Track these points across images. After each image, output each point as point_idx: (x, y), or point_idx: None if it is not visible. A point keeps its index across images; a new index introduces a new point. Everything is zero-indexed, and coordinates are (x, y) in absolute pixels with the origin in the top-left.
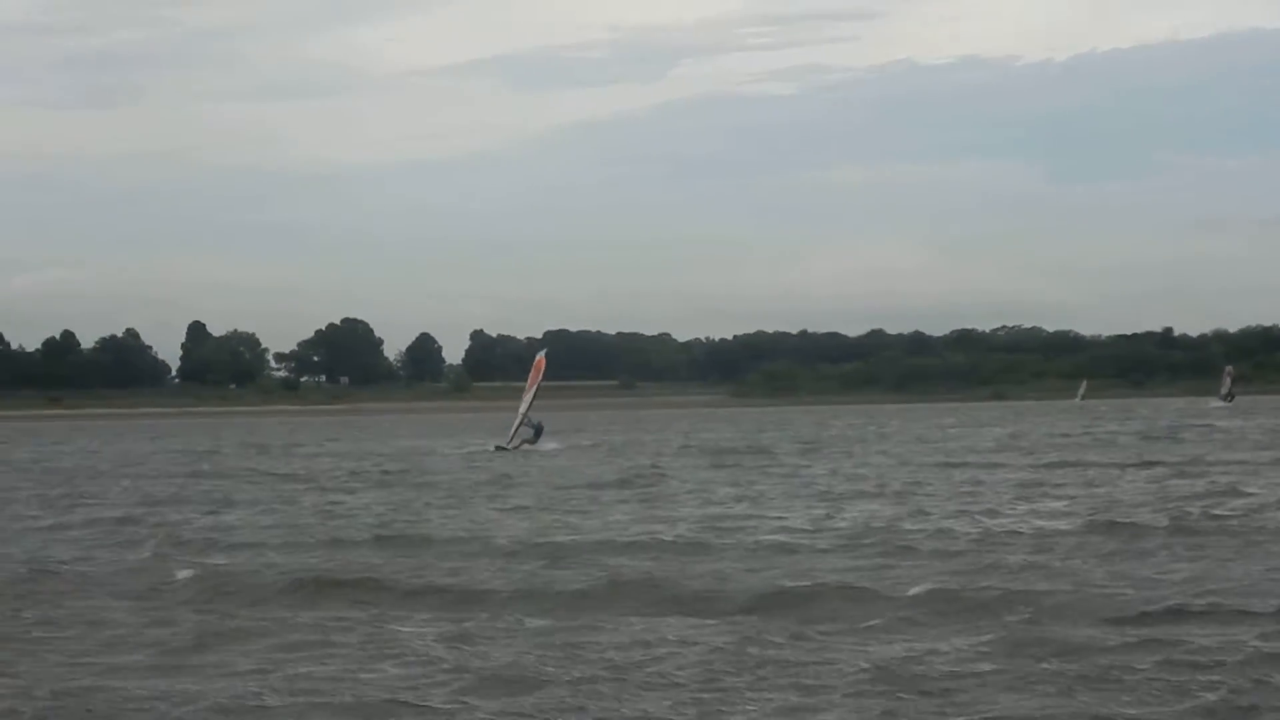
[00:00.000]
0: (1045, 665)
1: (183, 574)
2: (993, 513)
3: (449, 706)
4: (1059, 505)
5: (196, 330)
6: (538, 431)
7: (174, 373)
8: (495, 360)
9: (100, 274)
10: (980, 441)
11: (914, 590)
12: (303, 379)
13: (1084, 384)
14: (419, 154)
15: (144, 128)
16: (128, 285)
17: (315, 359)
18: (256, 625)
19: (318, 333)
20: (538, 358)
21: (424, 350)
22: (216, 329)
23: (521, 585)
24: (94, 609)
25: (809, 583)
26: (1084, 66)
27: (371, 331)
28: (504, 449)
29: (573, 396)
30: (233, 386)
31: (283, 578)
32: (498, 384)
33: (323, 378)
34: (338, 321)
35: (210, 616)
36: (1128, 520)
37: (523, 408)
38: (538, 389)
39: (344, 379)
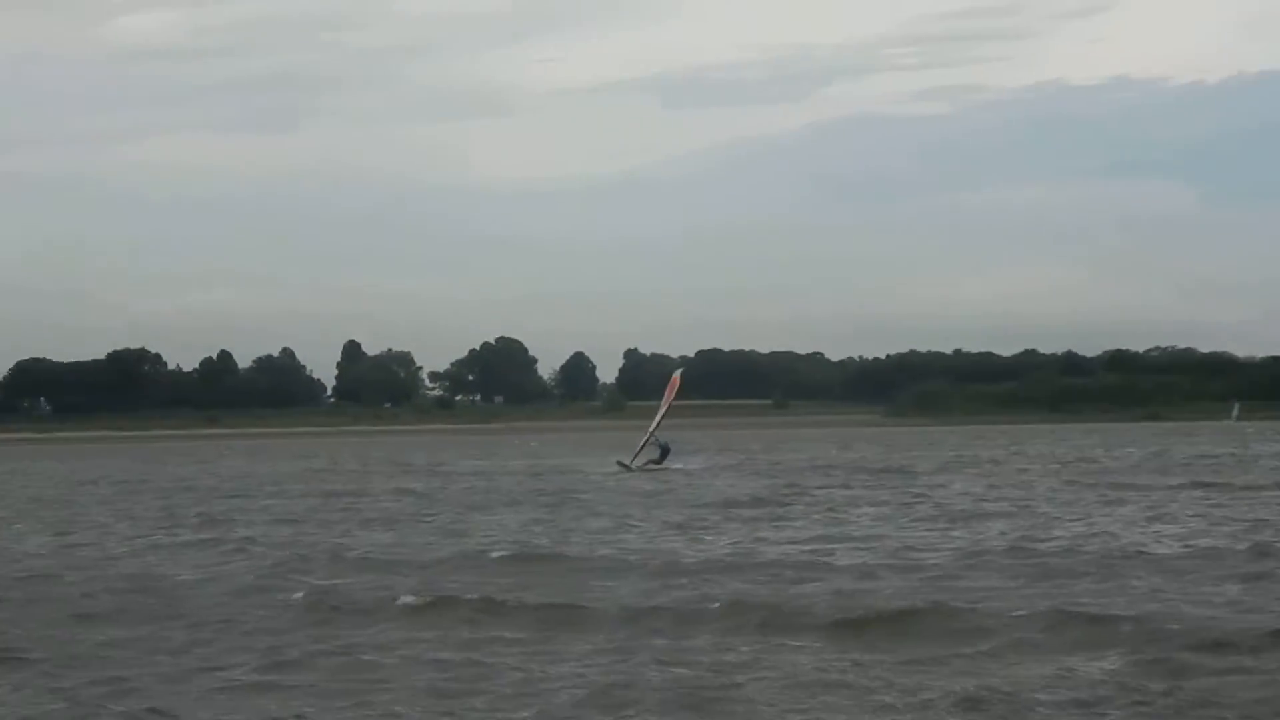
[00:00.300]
0: (1164, 685)
1: (297, 595)
2: (1123, 533)
3: None
4: (1192, 526)
5: (352, 349)
6: (664, 452)
7: (329, 392)
8: (649, 379)
9: (257, 294)
10: (1122, 462)
11: (1031, 610)
12: (457, 398)
13: (1236, 405)
14: (574, 172)
15: (301, 149)
16: (284, 305)
17: (470, 378)
18: (362, 644)
19: (472, 352)
20: (673, 376)
21: (578, 369)
22: (371, 348)
23: (636, 603)
24: (198, 628)
25: (925, 602)
26: (1235, 88)
27: (525, 350)
28: (626, 467)
29: (725, 415)
30: (387, 405)
31: (397, 596)
32: (651, 403)
33: (477, 397)
34: (492, 340)
35: (317, 634)
36: (1258, 541)
37: (651, 426)
38: (669, 408)
39: (498, 398)
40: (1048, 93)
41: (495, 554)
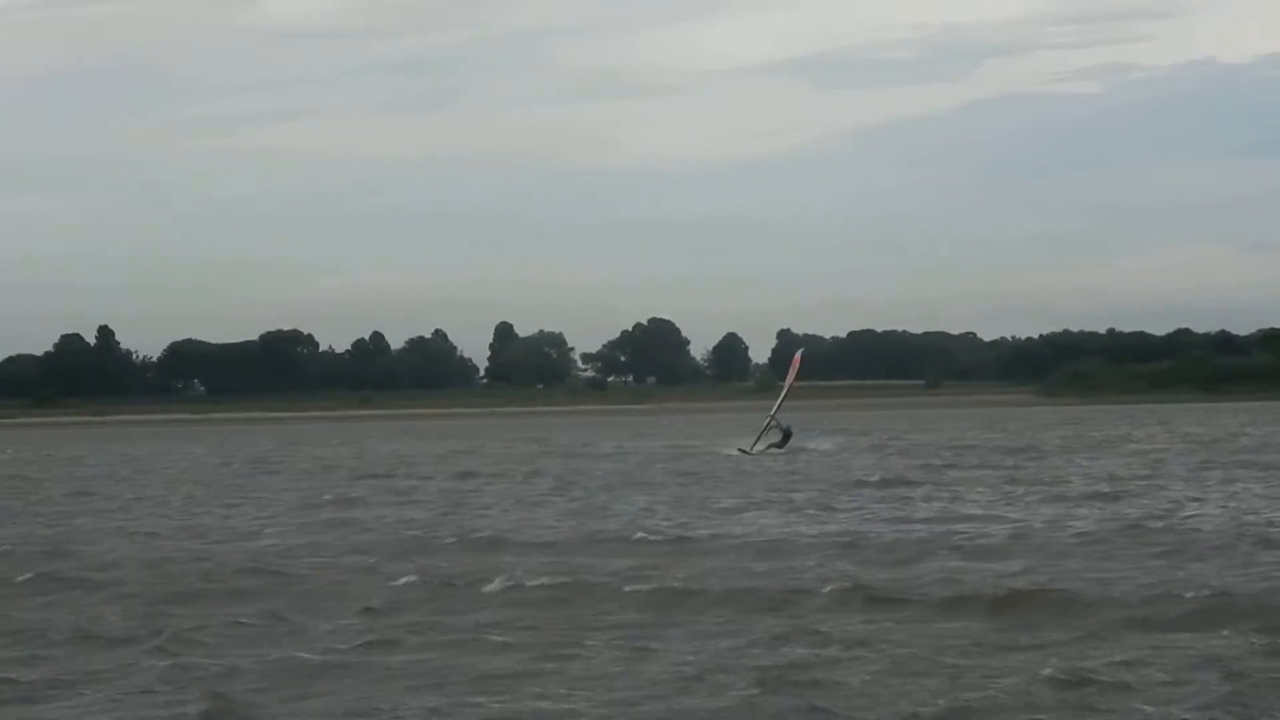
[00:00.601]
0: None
1: (412, 576)
2: (1253, 512)
3: (606, 712)
4: None
5: (504, 330)
6: (786, 435)
7: (481, 373)
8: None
9: (409, 276)
10: (1265, 441)
11: (1149, 589)
12: (609, 379)
13: None
14: (726, 154)
15: (456, 131)
16: (436, 286)
17: (622, 359)
18: (471, 625)
19: (624, 333)
20: (794, 357)
21: (730, 350)
22: (524, 329)
23: (750, 584)
24: (311, 609)
25: (1040, 582)
26: None
27: (678, 331)
28: (746, 454)
29: (877, 396)
30: (540, 386)
31: (514, 578)
32: (803, 383)
33: (629, 378)
34: (644, 321)
35: (427, 614)
36: None
37: (773, 409)
38: (789, 389)
39: (651, 379)
40: (1199, 70)
41: (620, 535)
